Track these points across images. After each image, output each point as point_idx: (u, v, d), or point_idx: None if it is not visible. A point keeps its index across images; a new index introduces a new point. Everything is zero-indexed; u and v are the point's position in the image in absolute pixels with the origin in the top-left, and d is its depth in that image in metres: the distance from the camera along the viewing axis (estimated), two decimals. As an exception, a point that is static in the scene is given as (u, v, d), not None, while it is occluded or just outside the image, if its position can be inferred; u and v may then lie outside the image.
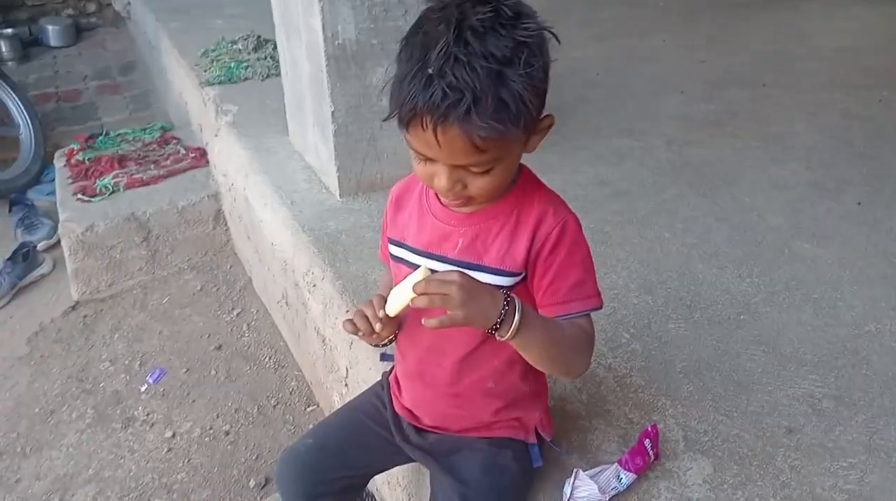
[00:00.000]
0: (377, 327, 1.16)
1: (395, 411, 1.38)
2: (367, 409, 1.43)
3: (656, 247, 2.12)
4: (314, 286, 2.10)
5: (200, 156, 3.38)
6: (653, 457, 1.42)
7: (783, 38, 4.09)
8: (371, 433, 1.40)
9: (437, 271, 1.06)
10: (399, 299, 1.10)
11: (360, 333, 1.19)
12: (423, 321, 1.03)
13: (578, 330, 1.17)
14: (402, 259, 1.24)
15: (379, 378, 1.53)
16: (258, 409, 2.51)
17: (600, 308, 1.20)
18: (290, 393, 2.56)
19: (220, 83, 3.35)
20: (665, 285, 1.98)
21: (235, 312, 2.97)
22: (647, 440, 1.41)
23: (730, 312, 1.89)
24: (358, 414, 1.44)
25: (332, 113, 2.21)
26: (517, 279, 1.17)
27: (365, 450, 1.40)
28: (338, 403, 2.12)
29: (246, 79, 3.40)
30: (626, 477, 1.36)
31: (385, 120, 1.05)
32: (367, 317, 1.18)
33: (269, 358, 2.73)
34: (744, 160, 2.68)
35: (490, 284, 1.12)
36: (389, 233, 1.29)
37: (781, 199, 2.41)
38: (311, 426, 2.44)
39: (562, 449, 1.42)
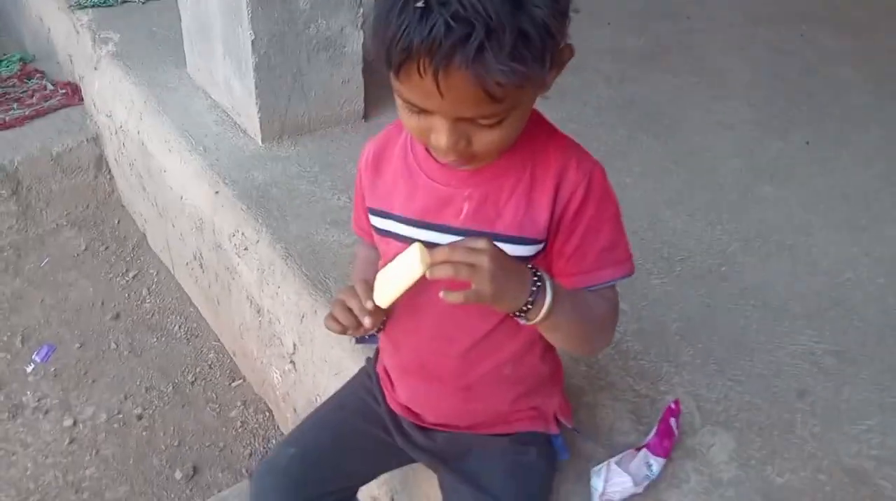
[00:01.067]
0: (366, 322, 0.94)
1: (389, 408, 1.15)
2: (356, 405, 1.19)
3: (620, 195, 1.94)
4: (245, 249, 1.80)
5: (73, 93, 2.90)
6: (677, 435, 1.28)
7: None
8: (364, 435, 1.16)
9: (436, 244, 0.85)
10: (393, 285, 0.88)
11: (348, 330, 0.97)
12: (441, 294, 0.82)
13: (606, 305, 0.99)
14: (390, 232, 1.01)
15: (355, 365, 1.29)
16: (173, 387, 2.20)
17: (632, 274, 1.01)
18: (210, 367, 2.26)
19: (93, 6, 2.85)
20: (638, 236, 1.83)
21: (131, 274, 2.60)
22: (673, 418, 1.27)
23: (710, 263, 1.77)
24: (345, 412, 1.19)
25: (253, 42, 1.87)
26: (538, 248, 0.96)
27: (359, 455, 1.16)
28: (279, 381, 1.86)
29: (124, 1, 2.91)
30: (657, 463, 1.21)
31: (373, 63, 0.81)
32: (349, 310, 0.96)
33: (179, 327, 2.40)
34: (685, 97, 2.56)
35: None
36: (370, 203, 1.04)
37: (731, 139, 2.31)
38: (239, 402, 2.17)
39: (583, 435, 1.25)
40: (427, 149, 0.96)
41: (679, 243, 1.83)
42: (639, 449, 1.22)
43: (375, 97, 2.23)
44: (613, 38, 3.00)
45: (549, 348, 1.09)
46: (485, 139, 0.84)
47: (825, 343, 1.56)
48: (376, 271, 1.05)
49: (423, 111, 0.82)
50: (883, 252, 1.85)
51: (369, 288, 0.93)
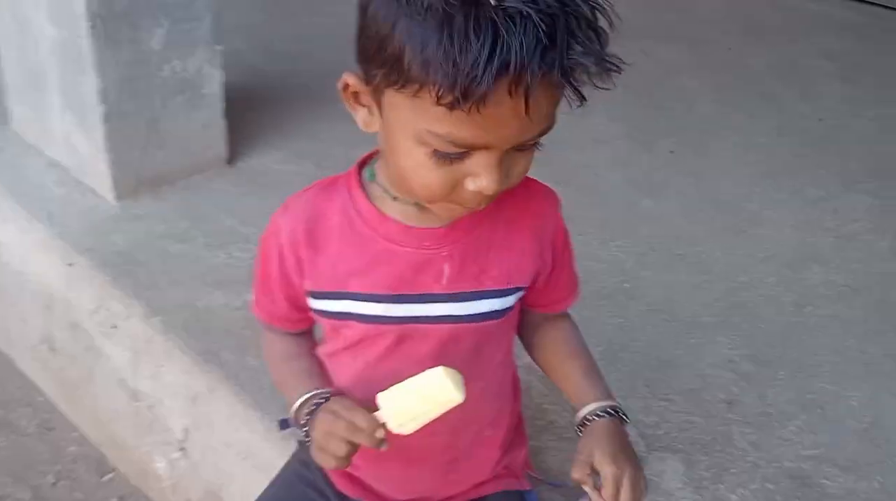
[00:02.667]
0: (382, 448, 0.79)
1: (341, 494, 1.00)
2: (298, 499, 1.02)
3: (512, 220, 1.93)
4: (113, 327, 1.57)
5: None
6: (631, 469, 1.22)
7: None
8: None
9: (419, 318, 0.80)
10: (419, 413, 0.77)
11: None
12: None
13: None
14: (351, 314, 0.85)
15: (269, 445, 1.13)
16: (32, 492, 1.88)
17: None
18: (73, 462, 1.96)
19: None
20: (539, 262, 1.79)
21: (-40, 367, 2.22)
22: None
23: (613, 282, 1.76)
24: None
25: (101, 90, 1.65)
26: (521, 293, 0.89)
27: None
28: (165, 471, 1.63)
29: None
30: None
31: (439, 103, 0.63)
32: (350, 443, 0.78)
33: (29, 421, 2.07)
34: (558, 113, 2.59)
35: (492, 310, 0.85)
36: (313, 286, 0.87)
37: (607, 154, 2.35)
38: (115, 497, 1.90)
39: (552, 483, 1.18)
40: (375, 210, 0.82)
41: (579, 265, 1.79)
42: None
43: (239, 140, 2.06)
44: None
45: (516, 399, 1.02)
46: (519, 168, 0.74)
47: (739, 348, 1.58)
48: (306, 366, 0.95)
49: (464, 153, 0.68)
50: (765, 252, 1.92)
51: (370, 417, 0.78)
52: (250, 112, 2.22)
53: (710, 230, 2.00)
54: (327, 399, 0.85)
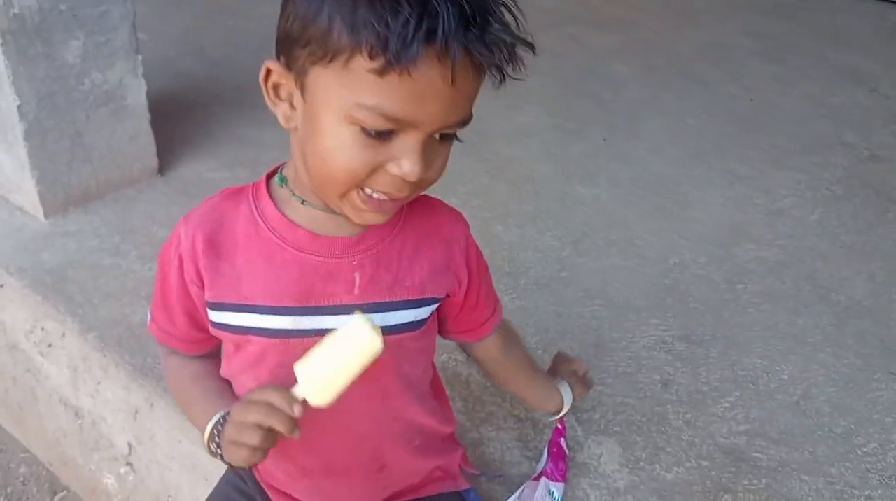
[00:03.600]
0: (296, 435, 0.73)
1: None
2: None
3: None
4: (49, 346, 1.55)
5: None
6: (568, 455, 1.25)
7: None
8: None
9: (326, 331, 0.75)
10: (339, 373, 0.72)
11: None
12: None
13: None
14: (252, 329, 0.82)
15: (210, 457, 1.12)
16: (-19, 519, 1.85)
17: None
18: (23, 483, 1.92)
19: None
20: (477, 255, 1.81)
21: None
22: (562, 438, 1.24)
23: (550, 271, 1.79)
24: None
25: (19, 107, 1.61)
26: (434, 307, 0.88)
27: None
28: (115, 487, 1.62)
29: None
30: (558, 490, 1.18)
31: (371, 64, 0.65)
32: (265, 430, 0.74)
33: (-26, 446, 2.03)
34: (486, 111, 2.59)
35: (406, 322, 0.84)
36: (213, 297, 0.82)
37: (537, 146, 2.38)
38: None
39: (490, 476, 1.19)
40: (283, 218, 0.80)
41: (517, 256, 1.83)
42: (537, 479, 1.18)
43: (169, 150, 2.03)
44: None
45: (443, 406, 1.03)
46: (439, 161, 0.74)
47: (672, 329, 1.62)
48: (216, 386, 0.90)
49: (390, 134, 0.68)
50: (696, 232, 1.98)
51: (286, 392, 0.73)
52: (181, 119, 2.19)
53: (641, 213, 2.04)
54: None
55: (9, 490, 1.91)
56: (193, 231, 0.82)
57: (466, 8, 0.63)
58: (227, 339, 0.86)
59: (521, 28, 0.69)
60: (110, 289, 1.60)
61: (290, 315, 0.80)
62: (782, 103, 2.79)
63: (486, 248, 1.78)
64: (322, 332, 0.76)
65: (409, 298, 0.82)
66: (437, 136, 0.71)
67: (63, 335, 1.52)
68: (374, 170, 0.70)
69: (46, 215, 1.78)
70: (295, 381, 0.74)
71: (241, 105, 2.28)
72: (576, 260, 1.83)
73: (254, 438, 0.73)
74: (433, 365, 1.00)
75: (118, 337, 1.48)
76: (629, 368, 1.51)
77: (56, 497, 1.90)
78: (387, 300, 0.81)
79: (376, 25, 0.62)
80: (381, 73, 0.64)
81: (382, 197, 0.73)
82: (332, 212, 0.79)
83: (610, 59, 3.05)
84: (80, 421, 1.59)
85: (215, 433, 0.82)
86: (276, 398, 0.73)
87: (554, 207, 2.05)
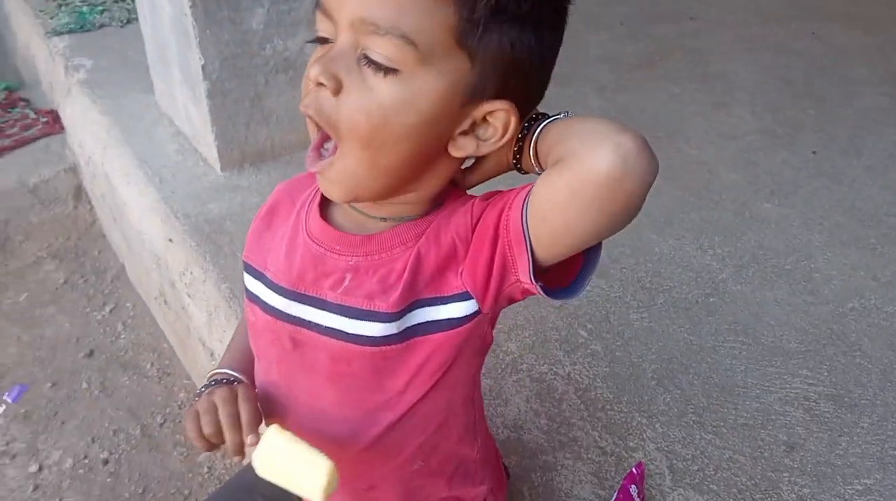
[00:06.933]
0: (236, 459, 0.78)
1: None
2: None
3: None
4: (194, 289, 1.69)
5: (53, 121, 2.83)
6: (639, 505, 1.12)
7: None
8: None
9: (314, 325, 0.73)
10: (281, 474, 0.73)
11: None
12: None
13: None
14: (258, 299, 0.82)
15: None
16: (141, 429, 2.09)
17: None
18: (180, 408, 2.15)
19: (70, 31, 2.78)
20: (619, 264, 1.68)
21: (108, 308, 2.50)
22: (633, 485, 1.11)
23: (696, 294, 1.61)
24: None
25: (203, 67, 1.76)
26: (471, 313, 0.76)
27: None
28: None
29: (102, 25, 2.84)
30: (612, 541, 1.06)
31: None
32: (219, 430, 0.76)
33: (152, 365, 2.29)
34: (684, 106, 2.40)
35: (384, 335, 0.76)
36: (247, 255, 0.85)
37: (732, 151, 2.14)
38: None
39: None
40: (320, 204, 0.79)
41: (664, 271, 1.67)
42: (593, 524, 1.08)
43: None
44: (611, 43, 2.85)
45: (469, 428, 0.91)
46: (363, 94, 0.65)
47: (821, 385, 1.39)
48: (239, 339, 0.93)
49: (326, 32, 0.68)
50: (894, 274, 1.67)
51: (255, 424, 0.75)
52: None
53: (832, 243, 1.76)
54: (230, 382, 0.85)
55: (167, 410, 2.13)
56: (273, 195, 0.87)
57: None
58: (245, 301, 0.87)
59: None
60: (254, 246, 1.70)
61: (284, 296, 0.80)
62: None
63: (630, 258, 1.68)
64: (305, 323, 0.76)
65: (388, 311, 0.74)
66: (361, 56, 0.65)
67: (204, 281, 1.65)
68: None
69: (223, 169, 1.94)
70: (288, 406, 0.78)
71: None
72: (732, 287, 1.63)
73: (208, 426, 0.76)
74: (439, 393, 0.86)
75: (245, 291, 1.57)
76: (753, 421, 1.31)
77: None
78: (364, 308, 0.75)
79: None
80: None
81: (305, 111, 0.69)
82: (361, 212, 0.77)
83: (851, 60, 2.66)
84: (213, 363, 1.72)
85: (202, 388, 0.85)
86: (246, 418, 0.75)
87: (727, 222, 1.83)
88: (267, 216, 0.86)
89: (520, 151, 0.73)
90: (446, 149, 0.71)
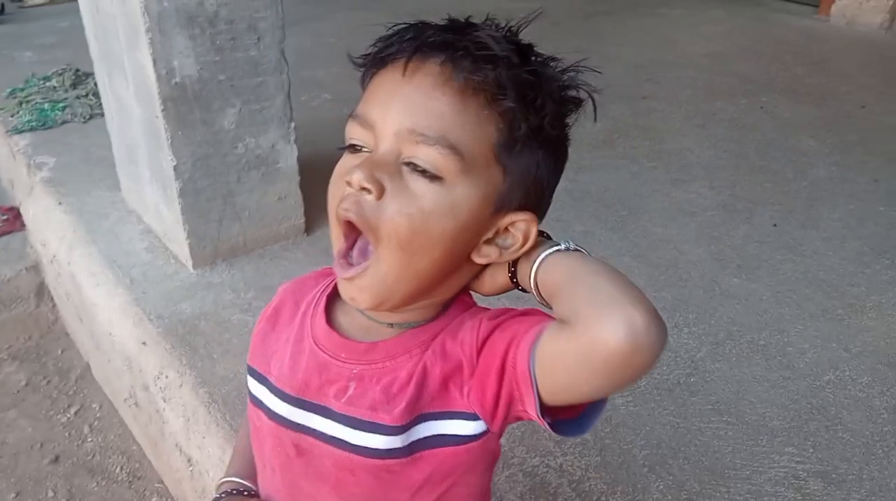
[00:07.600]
0: None
1: None
2: None
3: (578, 299, 1.84)
4: (170, 393, 1.65)
5: (14, 219, 2.79)
6: None
7: (653, 46, 3.98)
8: None
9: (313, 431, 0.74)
10: None
11: None
12: None
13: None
14: (262, 404, 0.81)
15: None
16: (112, 539, 2.01)
17: None
18: (152, 513, 2.07)
19: (31, 129, 2.78)
20: (599, 347, 1.69)
21: (73, 410, 2.41)
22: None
23: (677, 374, 1.62)
24: None
25: (175, 167, 1.76)
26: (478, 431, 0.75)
27: None
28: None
29: (64, 121, 2.84)
30: None
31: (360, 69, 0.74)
32: None
33: (121, 469, 2.20)
34: (644, 184, 2.47)
35: (388, 448, 0.74)
36: (251, 359, 0.84)
37: (695, 227, 2.20)
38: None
39: None
40: (325, 309, 0.79)
41: (643, 352, 1.68)
42: None
43: (318, 210, 2.12)
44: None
45: None
46: (406, 198, 0.67)
47: (808, 462, 1.40)
48: (245, 444, 0.91)
49: (363, 141, 0.70)
50: (864, 344, 1.71)
51: None
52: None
53: (801, 316, 1.81)
54: (241, 493, 0.85)
55: (139, 517, 2.05)
56: (278, 295, 0.87)
57: (431, 32, 0.67)
58: (249, 404, 0.85)
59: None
60: (231, 345, 1.68)
61: (288, 403, 0.78)
62: None
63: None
64: (308, 431, 0.75)
65: (392, 424, 0.73)
66: (405, 163, 0.67)
67: (181, 386, 1.61)
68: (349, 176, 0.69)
69: (195, 266, 1.92)
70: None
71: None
72: (710, 365, 1.65)
73: None
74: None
75: (225, 395, 1.54)
76: (746, 504, 1.32)
77: (178, 532, 2.01)
78: (366, 419, 0.74)
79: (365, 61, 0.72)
80: (364, 81, 0.72)
81: (345, 215, 0.69)
82: (368, 317, 0.77)
83: (800, 132, 2.78)
84: (190, 469, 1.67)
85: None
86: None
87: (698, 299, 1.87)
88: (272, 318, 0.85)
89: (514, 264, 0.75)
90: (469, 257, 0.73)
